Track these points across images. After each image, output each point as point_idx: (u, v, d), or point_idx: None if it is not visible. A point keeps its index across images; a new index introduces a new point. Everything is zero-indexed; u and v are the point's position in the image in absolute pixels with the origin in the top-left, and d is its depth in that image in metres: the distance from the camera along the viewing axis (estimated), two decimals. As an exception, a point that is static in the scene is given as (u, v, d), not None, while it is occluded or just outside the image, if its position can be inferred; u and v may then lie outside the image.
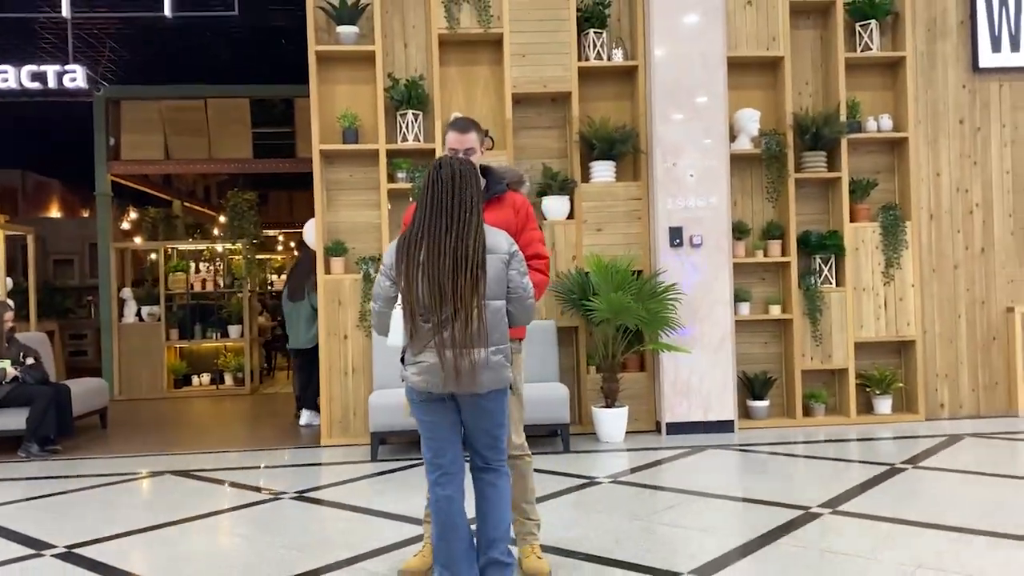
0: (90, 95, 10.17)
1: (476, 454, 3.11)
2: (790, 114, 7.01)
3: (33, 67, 6.78)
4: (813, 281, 7.00)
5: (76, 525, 4.67)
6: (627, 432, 6.65)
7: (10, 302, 7.48)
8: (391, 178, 6.79)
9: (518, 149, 6.98)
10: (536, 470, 5.41)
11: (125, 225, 12.59)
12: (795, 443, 6.36)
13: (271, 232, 16.18)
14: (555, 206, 6.88)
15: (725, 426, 6.70)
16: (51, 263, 14.52)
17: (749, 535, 4.07)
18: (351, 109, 6.84)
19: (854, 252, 7.03)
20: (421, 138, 6.82)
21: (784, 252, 7.05)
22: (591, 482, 5.27)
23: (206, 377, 10.86)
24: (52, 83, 6.83)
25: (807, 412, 7.06)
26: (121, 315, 10.68)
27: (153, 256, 11.34)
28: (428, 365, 2.91)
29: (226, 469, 6.04)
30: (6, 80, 6.77)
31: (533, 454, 3.70)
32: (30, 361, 7.10)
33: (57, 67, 6.80)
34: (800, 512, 4.42)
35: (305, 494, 5.26)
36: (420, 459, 5.79)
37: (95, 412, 8.01)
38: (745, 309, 7.07)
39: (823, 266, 7.08)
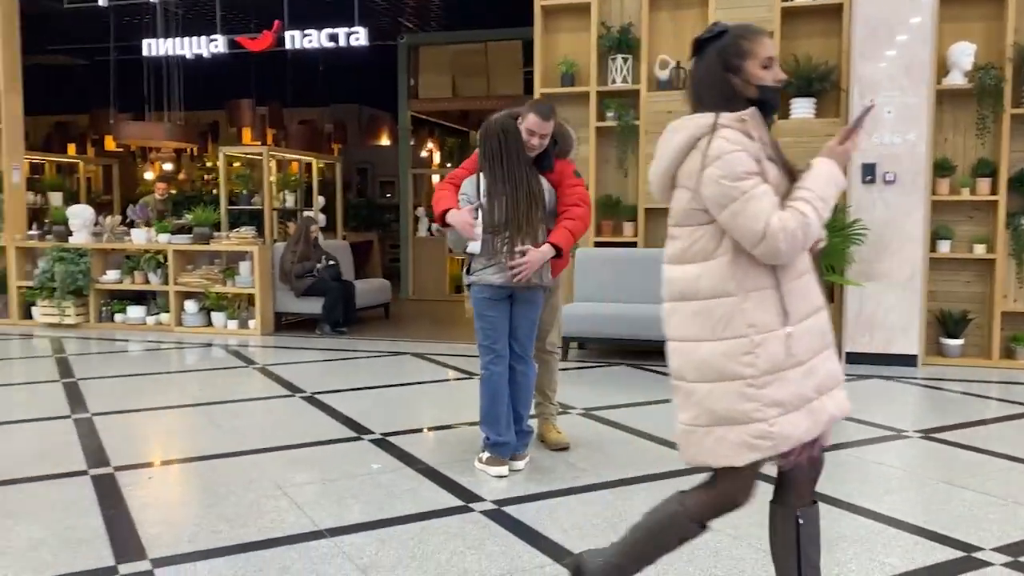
0: (395, 43, 12.10)
1: (515, 343, 4.03)
2: (1009, 46, 6.71)
3: (329, 29, 8.60)
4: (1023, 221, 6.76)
5: (327, 380, 6.40)
6: (807, 358, 7.06)
7: (316, 216, 9.57)
8: (600, 116, 7.68)
9: (721, 88, 7.47)
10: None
11: (424, 153, 14.67)
12: (968, 381, 6.38)
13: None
14: (752, 142, 7.32)
15: (907, 360, 6.84)
16: (378, 184, 17.34)
17: (819, 443, 4.59)
18: (569, 56, 7.79)
19: (1075, 192, 6.66)
20: (629, 80, 7.59)
21: (993, 191, 6.86)
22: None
23: (481, 285, 12.62)
24: (343, 42, 8.62)
25: (1008, 354, 6.93)
26: (416, 230, 12.75)
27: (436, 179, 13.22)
28: (503, 265, 3.90)
29: (454, 356, 7.51)
30: (311, 40, 8.69)
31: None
32: (331, 263, 9.16)
33: (346, 29, 8.54)
34: (890, 432, 4.80)
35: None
36: (606, 362, 6.86)
37: (380, 306, 10.03)
38: (945, 247, 7.02)
39: (1038, 206, 6.79)
